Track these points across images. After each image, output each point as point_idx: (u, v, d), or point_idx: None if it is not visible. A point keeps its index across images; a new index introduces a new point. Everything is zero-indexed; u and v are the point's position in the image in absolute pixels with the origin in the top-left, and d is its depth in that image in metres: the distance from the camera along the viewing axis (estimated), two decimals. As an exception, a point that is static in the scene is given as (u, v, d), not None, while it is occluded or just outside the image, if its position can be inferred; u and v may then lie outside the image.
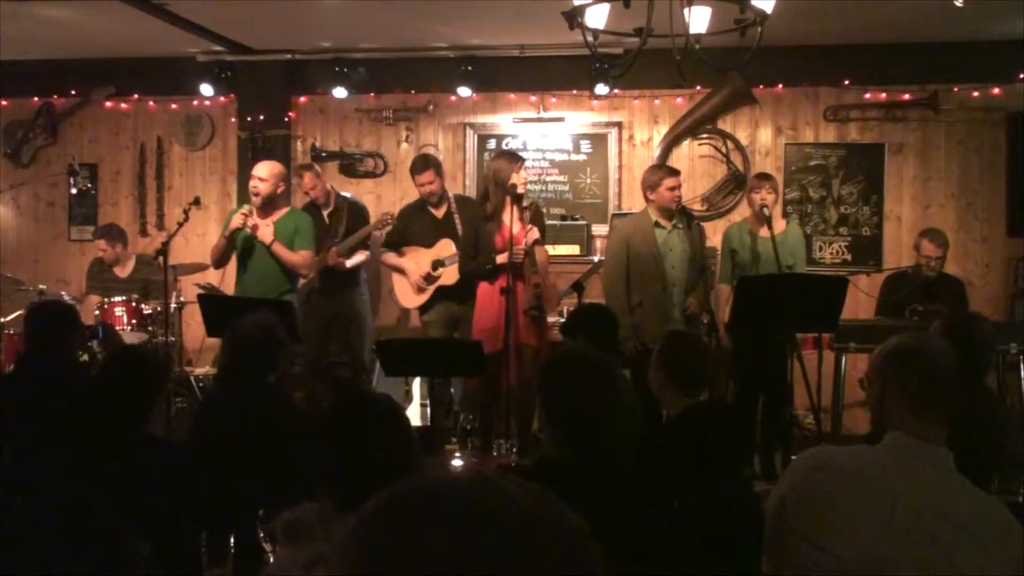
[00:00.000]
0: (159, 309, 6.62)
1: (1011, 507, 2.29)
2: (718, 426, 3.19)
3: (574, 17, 4.17)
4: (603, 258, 6.33)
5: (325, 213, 6.68)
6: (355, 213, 6.71)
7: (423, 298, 6.35)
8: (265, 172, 6.03)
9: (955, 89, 7.31)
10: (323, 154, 7.86)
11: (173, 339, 6.83)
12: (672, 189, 5.77)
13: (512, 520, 0.84)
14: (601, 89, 7.36)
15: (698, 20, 4.31)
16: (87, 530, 1.20)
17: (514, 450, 5.46)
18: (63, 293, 7.02)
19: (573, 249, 7.31)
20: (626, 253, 5.78)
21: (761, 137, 7.59)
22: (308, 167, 6.86)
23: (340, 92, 7.64)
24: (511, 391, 5.56)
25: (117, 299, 6.71)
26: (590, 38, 4.24)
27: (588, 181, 7.74)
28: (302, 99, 8.02)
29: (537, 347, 5.67)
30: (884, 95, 7.42)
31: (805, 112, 7.54)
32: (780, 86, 7.50)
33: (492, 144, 7.85)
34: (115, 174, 8.30)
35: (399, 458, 2.06)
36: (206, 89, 7.80)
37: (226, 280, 6.88)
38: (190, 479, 3.00)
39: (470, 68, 7.51)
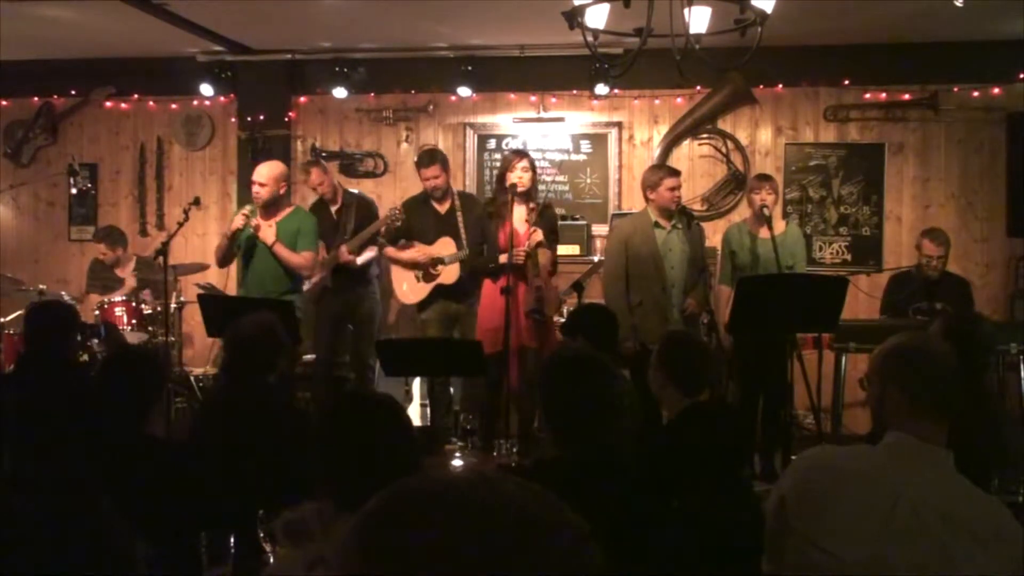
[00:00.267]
0: (159, 309, 6.62)
1: (1011, 507, 2.29)
2: (718, 426, 3.19)
3: (574, 17, 4.17)
4: (603, 258, 6.33)
5: (333, 209, 6.59)
6: (364, 208, 6.64)
7: (421, 295, 6.29)
8: (264, 176, 5.99)
9: (955, 89, 7.31)
10: (323, 154, 7.86)
11: (173, 339, 6.83)
12: (672, 189, 5.77)
13: (512, 520, 0.84)
14: (601, 89, 7.36)
15: (698, 20, 4.31)
16: (87, 530, 1.20)
17: (514, 450, 5.46)
18: (63, 293, 7.02)
19: (573, 249, 7.31)
20: (625, 253, 5.77)
21: (761, 137, 7.59)
22: (315, 163, 6.79)
23: (340, 92, 7.64)
24: (512, 391, 5.57)
25: (117, 299, 6.71)
26: (590, 38, 4.24)
27: (588, 181, 7.74)
28: (302, 99, 8.02)
29: (539, 350, 5.66)
30: (884, 95, 7.43)
31: (805, 112, 7.55)
32: (780, 86, 7.51)
33: (492, 144, 7.85)
34: (115, 174, 8.30)
35: (399, 458, 2.06)
36: (206, 89, 7.80)
37: (228, 280, 6.89)
38: (190, 479, 2.99)
39: (470, 68, 7.52)
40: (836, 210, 7.51)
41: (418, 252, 6.23)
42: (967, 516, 2.06)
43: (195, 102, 8.10)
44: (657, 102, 7.67)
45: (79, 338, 5.54)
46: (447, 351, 5.59)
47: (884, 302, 6.53)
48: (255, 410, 3.55)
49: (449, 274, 6.17)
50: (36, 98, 8.30)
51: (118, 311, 6.64)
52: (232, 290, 6.70)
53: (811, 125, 7.54)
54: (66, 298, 6.59)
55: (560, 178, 7.76)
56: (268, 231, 5.94)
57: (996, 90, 7.25)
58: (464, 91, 7.58)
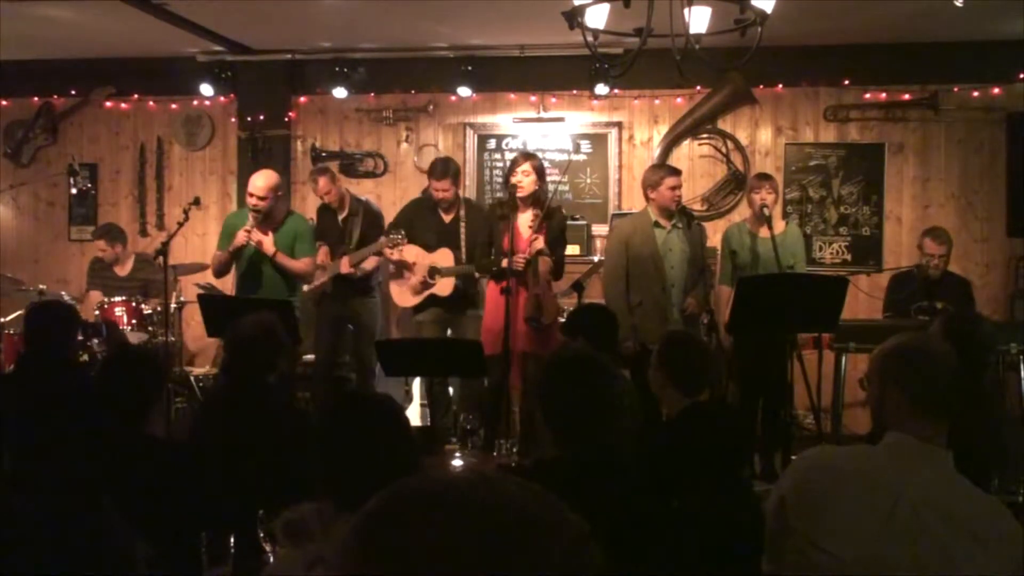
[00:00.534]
0: (159, 309, 6.62)
1: (1011, 507, 2.29)
2: (718, 426, 3.19)
3: (574, 17, 4.16)
4: (603, 258, 6.32)
5: (340, 217, 6.56)
6: (370, 219, 6.57)
7: (415, 301, 6.30)
8: (262, 188, 5.99)
9: (955, 89, 7.31)
10: (323, 154, 7.86)
11: (173, 339, 6.83)
12: (673, 189, 5.76)
13: (512, 520, 0.84)
14: (601, 89, 7.36)
15: (698, 20, 4.31)
16: (87, 530, 1.20)
17: (514, 450, 5.45)
18: (63, 293, 7.03)
19: (573, 249, 7.30)
20: (626, 253, 5.77)
21: (761, 137, 7.59)
22: (324, 171, 6.58)
23: (340, 92, 7.64)
24: (512, 391, 5.56)
25: (117, 299, 6.71)
26: (590, 38, 4.24)
27: (588, 181, 7.74)
28: (302, 99, 8.02)
29: (538, 355, 5.63)
30: (884, 95, 7.43)
31: (805, 112, 7.55)
32: (780, 86, 7.51)
33: (492, 144, 7.85)
34: (115, 174, 8.30)
35: (399, 458, 2.06)
36: (206, 89, 7.80)
37: (224, 281, 6.89)
38: (190, 479, 2.99)
39: (470, 68, 7.51)
40: (836, 210, 7.51)
41: (416, 258, 6.23)
42: (967, 516, 2.06)
43: (195, 102, 8.10)
44: (657, 102, 7.67)
45: (80, 337, 5.56)
46: (447, 351, 5.59)
47: (886, 301, 6.54)
48: (255, 410, 3.55)
49: (444, 286, 6.15)
50: (36, 98, 8.30)
51: (118, 311, 6.64)
52: (232, 291, 6.70)
53: (811, 125, 7.54)
54: (66, 298, 6.60)
55: (560, 178, 7.75)
56: (269, 244, 5.98)
57: (996, 90, 7.25)
58: (464, 91, 7.58)
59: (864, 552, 2.03)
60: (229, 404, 3.66)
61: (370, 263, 6.40)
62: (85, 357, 6.01)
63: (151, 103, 8.21)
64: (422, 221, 6.28)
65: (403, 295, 6.36)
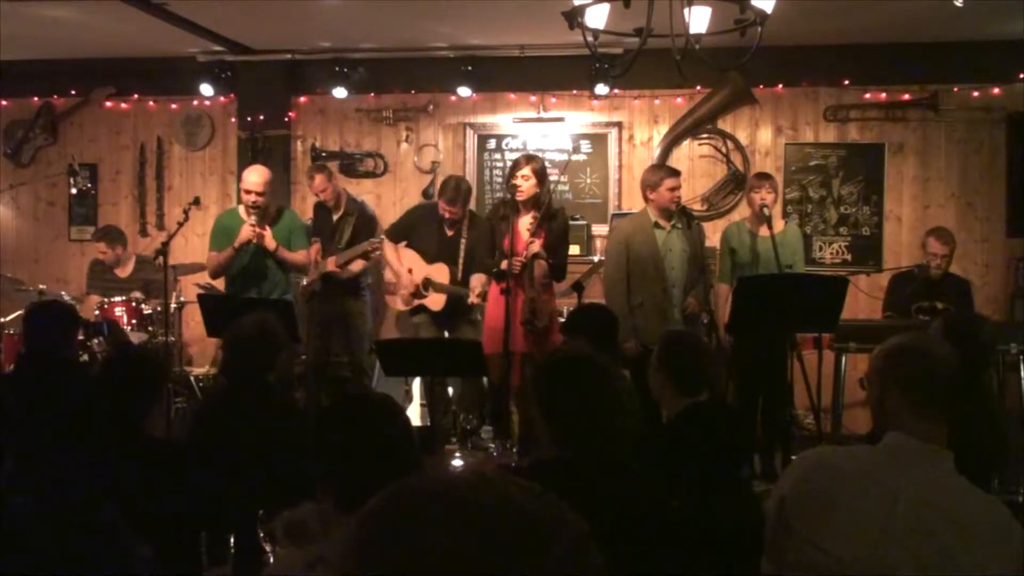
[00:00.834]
0: (159, 309, 6.62)
1: (1011, 507, 2.29)
2: (718, 426, 3.19)
3: (574, 17, 4.16)
4: (603, 258, 6.32)
5: (334, 217, 6.59)
6: (363, 221, 6.58)
7: (406, 307, 6.35)
8: (260, 184, 6.02)
9: (955, 89, 7.31)
10: (323, 154, 7.86)
11: (173, 339, 6.83)
12: (672, 189, 5.76)
13: (512, 520, 0.84)
14: (601, 89, 7.36)
15: (698, 20, 4.31)
16: (87, 530, 1.20)
17: (514, 450, 5.45)
18: (63, 293, 7.03)
19: (573, 249, 7.30)
20: (626, 254, 5.77)
21: (761, 137, 7.59)
22: (321, 168, 6.63)
23: (340, 92, 7.64)
24: (513, 391, 5.56)
25: (117, 299, 6.71)
26: (590, 38, 4.24)
27: (588, 181, 7.74)
28: (302, 99, 8.03)
29: (535, 356, 5.63)
30: (884, 95, 7.43)
31: (805, 112, 7.55)
32: (780, 86, 7.51)
33: (492, 144, 7.85)
34: (115, 174, 8.31)
35: (399, 458, 2.06)
36: (206, 89, 7.80)
37: (217, 280, 6.89)
38: (190, 479, 2.99)
39: (470, 68, 7.52)
40: (836, 210, 7.51)
41: (412, 264, 6.24)
42: (967, 516, 2.06)
43: (195, 102, 8.10)
44: (657, 102, 7.67)
45: (81, 337, 5.56)
46: (447, 351, 5.59)
47: (886, 301, 6.54)
48: (255, 410, 3.55)
49: (435, 301, 6.16)
50: (36, 98, 8.30)
51: (118, 311, 6.65)
52: (223, 289, 6.71)
53: (811, 125, 7.54)
54: (66, 298, 6.60)
55: (560, 178, 7.75)
56: (271, 238, 6.02)
57: (996, 90, 7.25)
58: (464, 91, 7.58)
59: (864, 552, 2.03)
60: (229, 404, 3.65)
61: (356, 265, 6.42)
62: (85, 357, 6.01)
63: (151, 103, 8.22)
64: (425, 230, 6.28)
65: (395, 302, 6.43)
